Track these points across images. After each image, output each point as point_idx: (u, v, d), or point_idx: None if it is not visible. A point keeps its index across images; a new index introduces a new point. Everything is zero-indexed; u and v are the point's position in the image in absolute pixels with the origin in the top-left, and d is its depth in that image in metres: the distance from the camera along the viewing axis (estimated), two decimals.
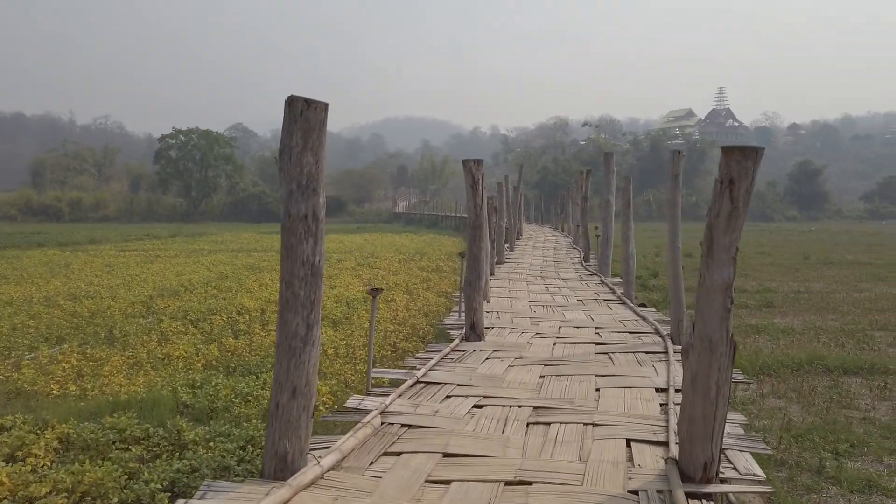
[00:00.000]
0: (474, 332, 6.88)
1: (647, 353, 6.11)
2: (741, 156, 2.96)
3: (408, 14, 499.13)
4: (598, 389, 4.94)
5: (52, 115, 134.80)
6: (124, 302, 11.28)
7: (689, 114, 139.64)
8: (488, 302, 9.19)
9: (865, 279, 15.77)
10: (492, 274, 12.17)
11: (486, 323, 7.31)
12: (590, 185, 15.70)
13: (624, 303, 9.43)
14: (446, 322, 8.25)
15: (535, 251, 18.75)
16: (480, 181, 6.12)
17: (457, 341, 6.69)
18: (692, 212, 68.13)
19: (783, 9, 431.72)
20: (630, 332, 7.22)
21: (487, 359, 6.03)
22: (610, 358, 5.96)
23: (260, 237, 32.15)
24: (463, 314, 7.33)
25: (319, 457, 3.47)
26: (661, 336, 6.85)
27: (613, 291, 10.56)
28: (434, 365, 5.76)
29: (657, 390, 4.85)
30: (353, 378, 6.65)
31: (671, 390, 4.69)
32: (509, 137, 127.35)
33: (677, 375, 5.05)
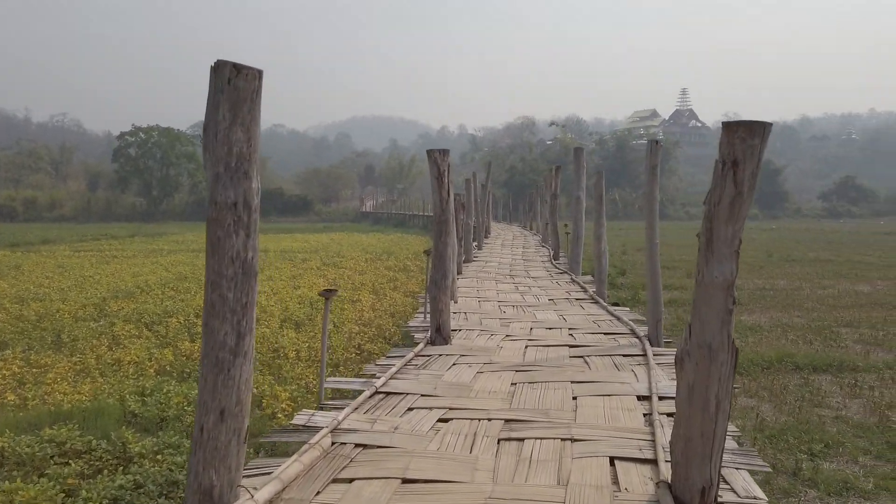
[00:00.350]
0: (440, 335, 6.52)
1: (624, 356, 5.85)
2: (746, 133, 2.60)
3: (373, 13, 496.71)
4: (574, 398, 4.60)
5: (6, 113, 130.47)
6: (75, 304, 10.76)
7: (654, 114, 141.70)
8: (455, 302, 8.83)
9: (828, 276, 15.99)
10: (459, 273, 11.83)
11: (453, 325, 6.95)
12: (559, 183, 15.34)
13: (596, 302, 9.17)
14: (411, 324, 7.88)
15: (503, 249, 18.37)
16: (447, 173, 5.71)
17: (421, 345, 6.33)
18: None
19: (743, 13, 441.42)
20: (605, 334, 6.95)
21: (454, 364, 5.67)
22: (586, 362, 5.65)
23: None
24: (428, 316, 6.96)
25: (255, 488, 2.97)
26: (637, 338, 6.58)
27: (585, 290, 10.27)
28: (396, 372, 5.35)
29: (639, 398, 4.57)
30: (314, 383, 6.35)
31: (654, 398, 4.42)
32: (477, 137, 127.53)
33: (659, 381, 4.84)
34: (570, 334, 6.95)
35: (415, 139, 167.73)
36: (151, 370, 6.96)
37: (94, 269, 16.48)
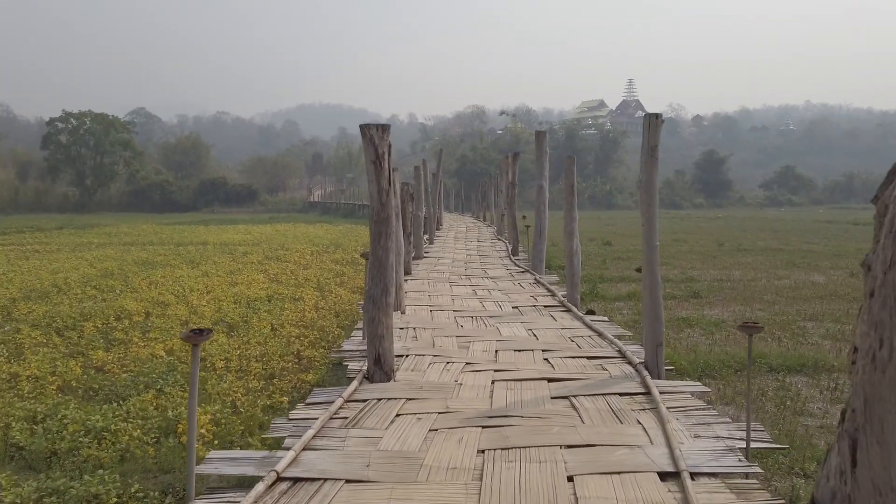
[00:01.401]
0: (380, 368, 5.05)
1: (621, 394, 4.61)
2: None
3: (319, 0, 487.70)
4: (570, 479, 3.29)
5: None
6: None
7: (601, 104, 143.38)
8: (403, 313, 7.49)
9: (781, 266, 15.90)
10: (408, 273, 10.79)
11: (398, 345, 5.72)
12: (517, 170, 14.20)
13: (569, 310, 7.89)
14: (345, 346, 6.35)
15: (457, 243, 17.31)
16: (386, 157, 4.39)
17: (355, 384, 4.85)
18: (605, 200, 69.83)
19: (685, 7, 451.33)
20: (589, 358, 5.69)
21: (398, 416, 4.23)
22: (574, 407, 4.35)
23: (160, 228, 29.85)
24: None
25: None
26: (632, 366, 5.37)
27: (553, 295, 9.03)
28: (314, 437, 3.89)
29: (662, 477, 3.28)
30: (243, 400, 5.53)
31: (686, 478, 3.17)
32: (427, 126, 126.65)
33: (682, 444, 3.67)
34: (546, 359, 5.66)
35: None
36: (53, 387, 6.01)
37: (10, 265, 15.07)
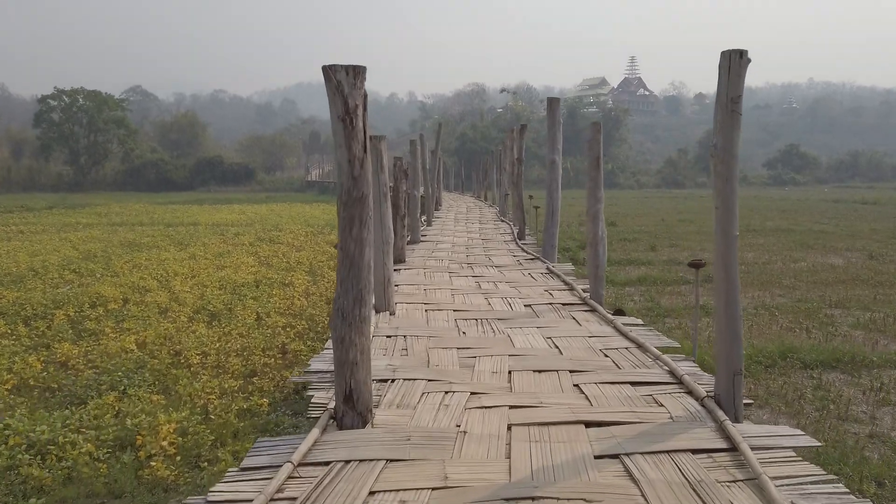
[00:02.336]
0: (352, 408, 3.39)
1: (694, 451, 3.09)
2: None
3: None
4: None
5: None
6: None
7: (603, 82, 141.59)
8: (392, 314, 6.13)
9: (795, 247, 15.24)
10: (401, 261, 9.25)
11: (382, 367, 4.35)
12: (523, 145, 12.30)
13: (594, 311, 6.20)
14: (312, 366, 4.52)
15: (457, 225, 15.72)
16: (360, 112, 3.11)
17: (314, 434, 3.23)
18: (608, 179, 68.85)
19: None
20: (633, 384, 4.04)
21: (372, 494, 2.73)
22: (631, 476, 2.86)
23: (152, 208, 29.14)
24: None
25: None
26: (698, 400, 3.71)
27: (571, 289, 7.27)
28: None
29: None
30: (215, 404, 4.90)
31: None
32: (427, 104, 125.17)
33: None
34: (577, 385, 4.04)
35: None
36: (7, 386, 5.39)
37: None
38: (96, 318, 7.71)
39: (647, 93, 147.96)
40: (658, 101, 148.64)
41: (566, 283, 7.61)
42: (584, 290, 6.98)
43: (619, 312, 6.20)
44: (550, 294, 7.08)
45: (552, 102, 9.32)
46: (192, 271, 11.02)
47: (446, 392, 3.94)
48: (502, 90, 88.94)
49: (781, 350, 6.28)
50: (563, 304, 6.52)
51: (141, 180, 53.42)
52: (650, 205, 34.03)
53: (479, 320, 5.90)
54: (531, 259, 9.84)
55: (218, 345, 6.44)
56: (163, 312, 8.07)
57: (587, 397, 3.85)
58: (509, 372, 4.34)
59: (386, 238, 6.47)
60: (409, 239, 11.47)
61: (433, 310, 6.38)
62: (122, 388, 5.23)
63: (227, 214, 24.81)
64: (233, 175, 55.93)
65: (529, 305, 6.50)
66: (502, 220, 16.58)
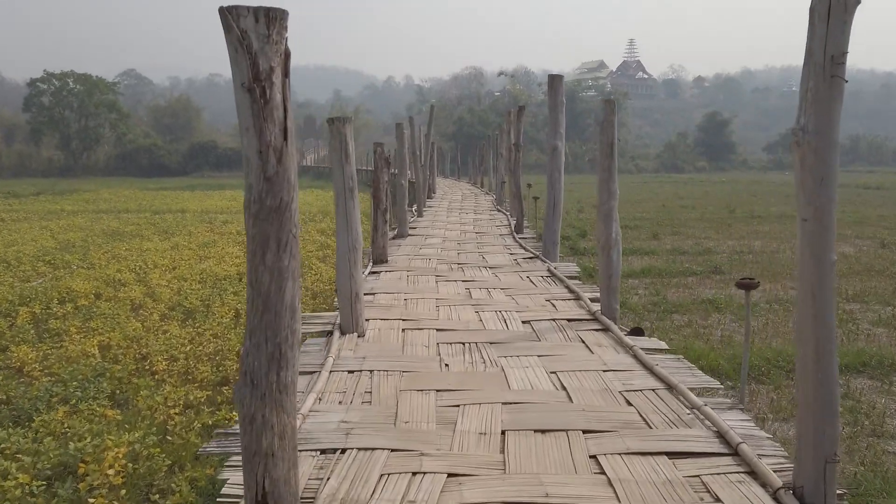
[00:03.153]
0: None
1: None
2: None
3: None
4: None
5: None
6: None
7: (601, 65, 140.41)
8: (361, 336, 4.89)
9: None
10: (383, 261, 8.04)
11: (334, 423, 3.28)
12: (521, 129, 10.98)
13: (607, 330, 4.98)
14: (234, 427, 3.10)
15: (450, 215, 14.37)
16: (277, 78, 2.03)
17: None
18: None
19: None
20: (671, 454, 2.92)
21: None
22: None
23: (142, 194, 28.53)
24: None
25: None
26: (770, 491, 2.57)
27: (577, 298, 6.03)
28: None
29: None
30: (176, 420, 4.38)
31: None
32: (424, 88, 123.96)
33: None
34: (595, 457, 2.93)
35: (360, 90, 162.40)
36: None
37: None
38: (63, 316, 7.18)
39: (646, 76, 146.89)
40: (657, 85, 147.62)
41: (571, 291, 6.34)
42: (592, 300, 5.78)
43: (636, 332, 4.92)
44: (553, 306, 5.81)
45: (554, 81, 7.76)
46: (173, 263, 10.48)
47: (414, 473, 2.74)
48: (500, 74, 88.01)
49: None
50: (569, 321, 5.26)
51: (133, 166, 52.71)
52: (650, 190, 33.47)
53: (466, 345, 4.63)
54: (530, 258, 8.47)
55: (188, 348, 5.91)
56: (135, 309, 7.55)
57: (611, 483, 2.66)
58: (502, 433, 3.15)
59: (353, 243, 5.02)
60: (395, 233, 10.51)
61: (412, 328, 5.10)
62: (75, 400, 4.70)
63: (218, 201, 24.22)
64: (227, 160, 55.21)
65: (528, 322, 5.22)
66: (498, 210, 15.50)
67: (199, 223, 16.46)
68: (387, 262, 8.09)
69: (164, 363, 5.50)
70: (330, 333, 4.88)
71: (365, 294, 5.66)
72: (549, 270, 7.44)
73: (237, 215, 18.60)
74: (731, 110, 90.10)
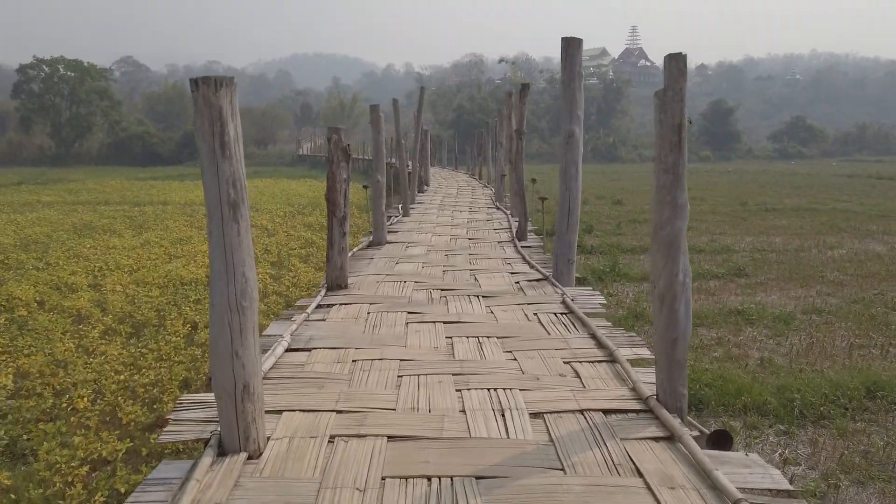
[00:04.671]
0: None
1: None
2: None
3: None
4: None
5: None
6: None
7: (603, 53, 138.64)
8: (253, 459, 2.73)
9: (824, 230, 13.71)
10: (342, 286, 5.91)
11: None
12: (524, 113, 8.55)
13: (673, 440, 2.81)
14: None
15: (441, 213, 12.31)
16: None
17: None
18: (608, 153, 67.06)
19: None
20: None
21: None
22: None
23: (129, 184, 27.47)
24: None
25: None
26: None
27: (613, 360, 3.85)
28: None
29: None
30: (78, 489, 3.38)
31: None
32: (424, 75, 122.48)
33: None
34: None
35: (359, 78, 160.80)
36: None
37: None
38: None
39: (648, 63, 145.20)
40: (659, 73, 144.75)
41: (601, 345, 4.08)
42: (630, 356, 3.82)
43: (720, 440, 2.83)
44: (579, 378, 3.59)
45: (570, 46, 5.68)
46: (138, 262, 9.47)
47: None
48: (501, 60, 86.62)
49: (864, 382, 4.76)
50: (607, 412, 3.14)
51: (126, 154, 51.54)
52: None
53: (433, 482, 2.50)
54: (537, 281, 6.22)
55: (123, 376, 4.92)
56: (78, 321, 6.55)
57: None
58: None
59: (238, 297, 2.73)
60: (370, 241, 8.68)
61: (351, 434, 2.92)
62: None
63: (203, 193, 23.13)
64: None
65: (542, 418, 3.09)
66: (497, 208, 13.55)
67: (180, 216, 15.45)
68: (346, 287, 5.91)
69: (86, 399, 4.50)
70: (208, 445, 2.74)
71: (294, 350, 4.06)
72: (564, 303, 5.25)
73: None
74: (733, 98, 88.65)
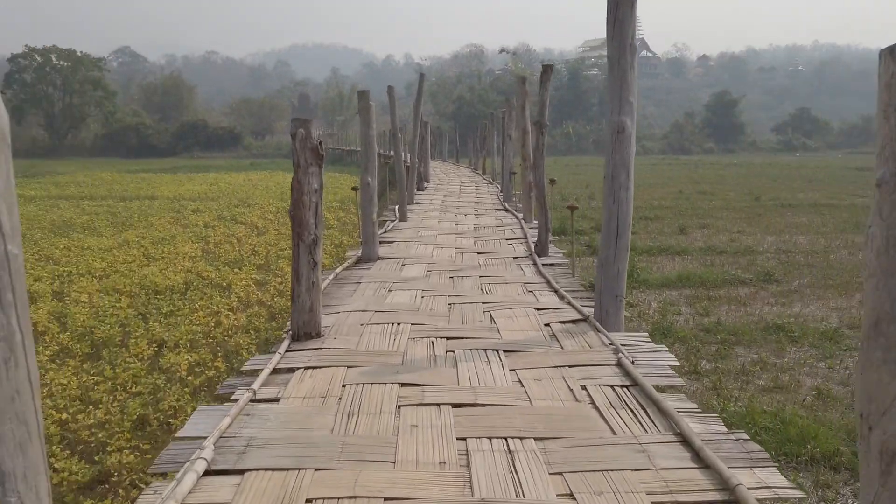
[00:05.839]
0: None
1: None
2: None
3: None
4: None
5: None
6: None
7: (605, 43, 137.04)
8: None
9: (850, 229, 12.91)
10: (310, 337, 4.26)
11: None
12: (547, 100, 7.25)
13: None
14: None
15: (444, 218, 10.74)
16: None
17: None
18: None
19: None
20: None
21: None
22: None
23: (119, 177, 26.66)
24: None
25: None
26: None
27: (722, 483, 2.35)
28: None
29: None
30: None
31: None
32: (423, 66, 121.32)
33: None
34: None
35: (358, 68, 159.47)
36: None
37: None
38: None
39: (649, 54, 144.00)
40: (661, 64, 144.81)
41: (700, 458, 2.58)
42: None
43: None
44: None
45: (620, 8, 4.29)
46: (112, 266, 8.69)
47: None
48: (501, 51, 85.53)
49: None
50: None
51: (121, 146, 50.70)
52: (661, 173, 31.55)
53: None
54: (574, 323, 4.58)
55: (66, 414, 4.14)
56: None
57: None
58: None
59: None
60: (357, 256, 7.09)
61: None
62: None
63: (198, 185, 22.34)
64: (218, 140, 53.18)
65: None
66: (506, 210, 12.02)
67: (166, 212, 14.64)
68: (318, 336, 4.26)
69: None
70: None
71: (216, 472, 2.51)
72: (620, 366, 3.64)
73: (210, 202, 16.77)
74: (736, 90, 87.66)
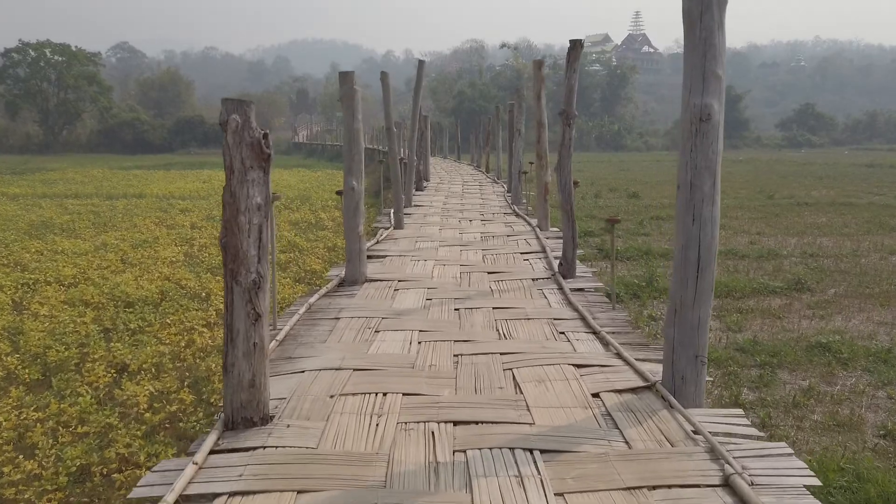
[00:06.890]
0: None
1: None
2: None
3: None
4: None
5: None
6: None
7: (606, 39, 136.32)
8: None
9: (875, 229, 12.19)
10: (254, 424, 2.91)
11: None
12: (575, 85, 6.54)
13: None
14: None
15: (445, 225, 9.46)
16: None
17: None
18: (613, 140, 65.32)
19: None
20: None
21: None
22: None
23: (111, 174, 25.89)
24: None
25: None
26: None
27: None
28: None
29: None
30: None
31: None
32: (424, 62, 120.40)
33: None
34: None
35: (358, 64, 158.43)
36: None
37: None
38: None
39: (651, 50, 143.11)
40: (663, 59, 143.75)
41: None
42: None
43: None
44: None
45: None
46: (83, 273, 7.97)
47: None
48: (502, 46, 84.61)
49: None
50: None
51: (116, 142, 49.84)
52: (666, 170, 30.77)
53: None
54: (634, 392, 3.31)
55: (9, 454, 3.43)
56: None
57: None
58: None
59: None
60: (340, 278, 5.95)
61: None
62: None
63: (190, 183, 21.60)
64: (215, 136, 52.20)
65: None
66: (516, 214, 10.92)
67: (152, 211, 13.92)
68: (263, 422, 2.95)
69: None
70: None
71: None
72: (728, 485, 2.39)
73: (201, 201, 16.04)
74: (738, 86, 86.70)
